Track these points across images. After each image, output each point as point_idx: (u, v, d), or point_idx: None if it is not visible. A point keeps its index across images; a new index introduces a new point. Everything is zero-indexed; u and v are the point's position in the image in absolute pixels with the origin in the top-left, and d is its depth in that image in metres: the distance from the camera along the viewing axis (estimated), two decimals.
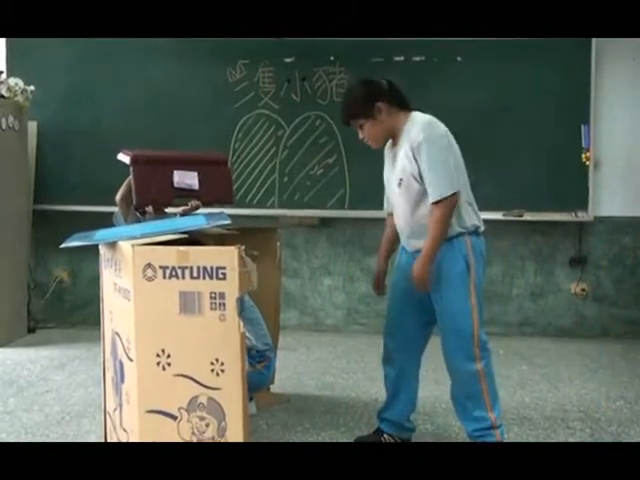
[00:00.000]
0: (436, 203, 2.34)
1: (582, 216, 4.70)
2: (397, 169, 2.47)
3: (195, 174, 2.94)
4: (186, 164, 2.95)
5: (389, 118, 2.46)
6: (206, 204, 3.00)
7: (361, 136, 2.53)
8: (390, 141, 2.57)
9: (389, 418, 2.68)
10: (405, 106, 2.50)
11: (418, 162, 2.37)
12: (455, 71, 4.68)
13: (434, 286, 2.41)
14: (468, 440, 2.53)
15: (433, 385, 3.39)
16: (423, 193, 2.39)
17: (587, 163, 4.68)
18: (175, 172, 2.89)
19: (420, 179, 2.39)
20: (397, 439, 2.68)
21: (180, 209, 2.99)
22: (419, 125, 2.39)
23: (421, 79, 4.59)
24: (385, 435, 2.69)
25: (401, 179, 2.44)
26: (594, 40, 4.61)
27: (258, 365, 2.48)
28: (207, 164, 3.04)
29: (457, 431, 2.89)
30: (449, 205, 2.35)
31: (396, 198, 2.52)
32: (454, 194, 2.34)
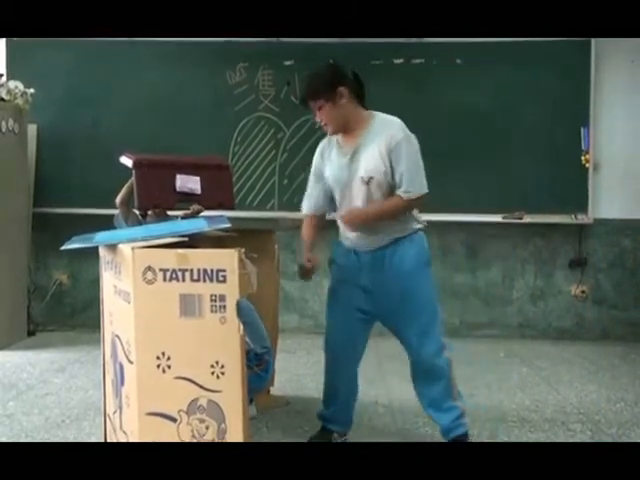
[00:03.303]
0: (408, 197, 2.39)
1: (582, 218, 4.70)
2: (363, 166, 2.41)
3: (197, 179, 2.93)
4: (188, 168, 2.94)
5: (349, 105, 2.45)
6: (207, 208, 2.99)
7: (318, 119, 2.50)
8: (329, 139, 2.57)
9: (332, 417, 2.76)
10: (362, 102, 2.50)
11: (392, 160, 2.38)
12: (455, 73, 4.68)
13: (396, 281, 2.44)
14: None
15: None
16: (391, 191, 2.42)
17: (587, 165, 4.69)
18: (178, 176, 2.89)
19: (391, 177, 2.40)
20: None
21: (182, 213, 2.99)
22: (396, 125, 2.42)
23: (421, 81, 4.62)
24: (335, 434, 2.75)
25: (371, 177, 2.40)
26: (593, 41, 4.63)
27: (255, 367, 2.47)
28: (209, 169, 3.03)
29: None
30: (418, 203, 2.45)
31: (355, 195, 2.46)
32: (425, 195, 2.42)
